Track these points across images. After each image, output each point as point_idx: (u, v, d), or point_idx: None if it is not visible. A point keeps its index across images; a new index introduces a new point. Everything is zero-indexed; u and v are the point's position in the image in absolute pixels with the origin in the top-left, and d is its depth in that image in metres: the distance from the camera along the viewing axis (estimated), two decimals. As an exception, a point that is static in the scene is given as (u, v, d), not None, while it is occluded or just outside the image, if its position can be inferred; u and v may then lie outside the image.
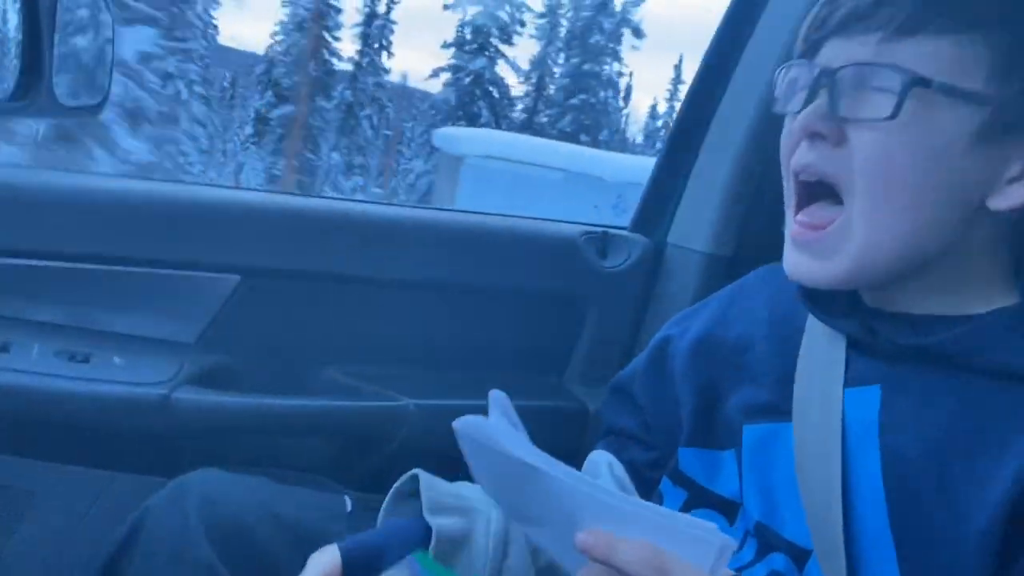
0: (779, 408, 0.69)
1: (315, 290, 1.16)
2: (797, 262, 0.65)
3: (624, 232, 1.34)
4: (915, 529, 0.59)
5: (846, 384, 0.65)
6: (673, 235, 1.32)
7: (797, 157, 0.64)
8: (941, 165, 0.59)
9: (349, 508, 0.81)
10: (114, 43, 1.15)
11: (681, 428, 0.78)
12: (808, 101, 0.62)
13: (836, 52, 0.62)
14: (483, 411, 1.14)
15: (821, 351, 0.68)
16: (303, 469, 1.15)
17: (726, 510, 0.73)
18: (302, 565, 0.73)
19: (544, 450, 0.82)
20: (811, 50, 0.64)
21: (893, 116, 0.57)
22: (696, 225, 1.28)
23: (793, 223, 0.65)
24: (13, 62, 1.04)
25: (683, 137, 1.30)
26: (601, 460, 0.85)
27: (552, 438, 0.87)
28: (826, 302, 0.68)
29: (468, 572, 0.67)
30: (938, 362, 0.61)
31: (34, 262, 1.04)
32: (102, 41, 1.12)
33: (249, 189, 1.03)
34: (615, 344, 1.33)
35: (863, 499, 0.62)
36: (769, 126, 1.20)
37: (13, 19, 0.99)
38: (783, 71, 0.66)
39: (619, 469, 0.85)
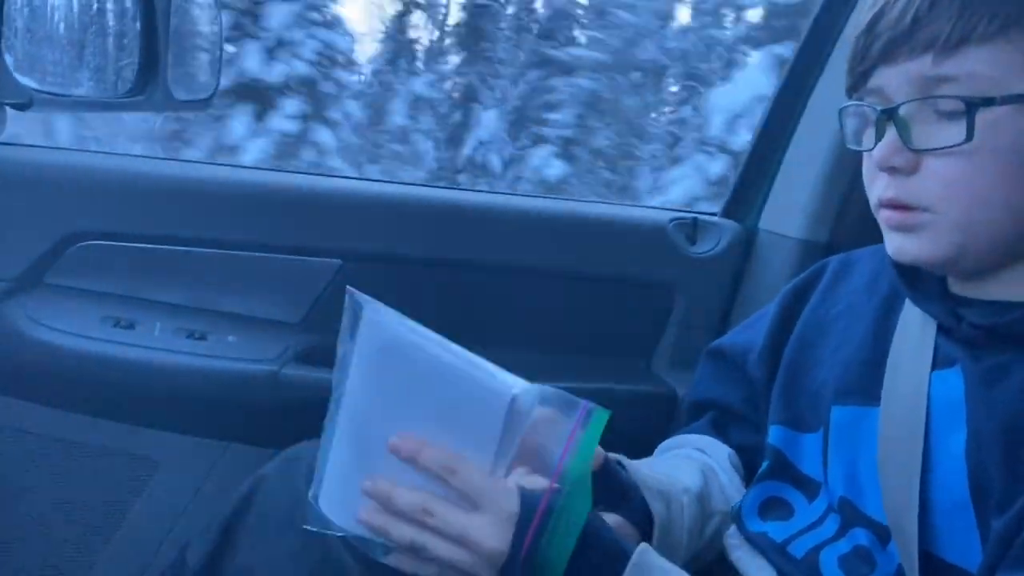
0: (868, 391, 0.70)
1: (410, 275, 1.21)
2: (900, 244, 0.66)
3: (715, 218, 1.33)
4: (993, 502, 0.60)
5: (934, 367, 0.66)
6: (765, 221, 1.31)
7: (880, 190, 0.65)
8: (1022, 169, 0.59)
9: (447, 480, 0.85)
10: (222, 40, 1.22)
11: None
12: (878, 137, 0.63)
13: (887, 79, 0.62)
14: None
15: (914, 336, 0.69)
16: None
17: (806, 487, 0.74)
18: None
19: (632, 433, 0.84)
20: (860, 80, 0.65)
21: (968, 140, 0.58)
22: (789, 211, 1.27)
23: (884, 211, 0.66)
24: (128, 59, 1.12)
25: (776, 121, 1.29)
26: (721, 453, 0.87)
27: (640, 421, 0.89)
28: (919, 287, 0.69)
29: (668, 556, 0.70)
30: (1010, 341, 0.63)
31: (157, 246, 1.11)
32: (212, 38, 1.19)
33: (348, 177, 1.08)
34: (704, 330, 1.33)
35: (944, 476, 0.63)
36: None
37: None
38: (845, 113, 0.68)
39: (735, 459, 0.86)
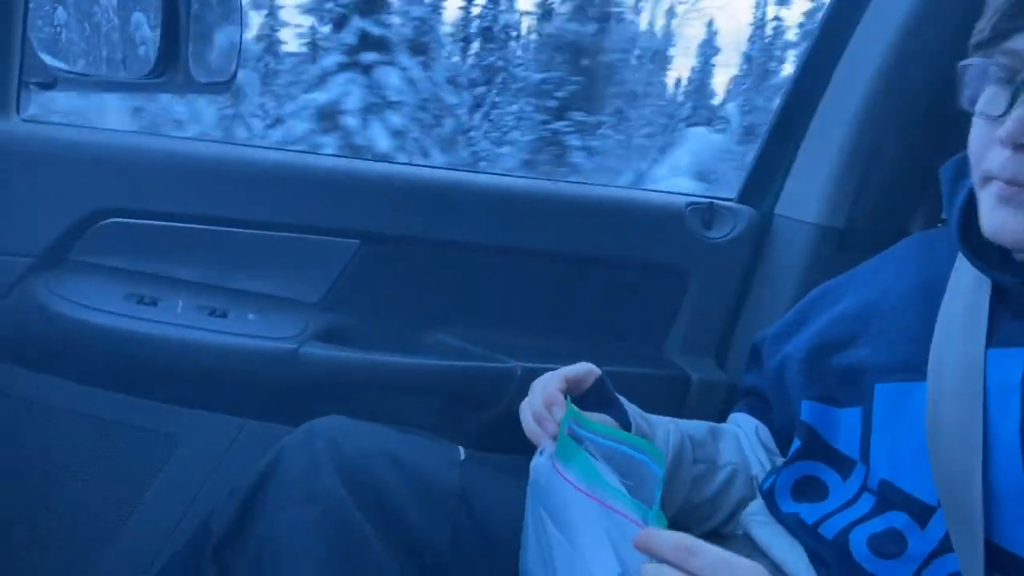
0: (914, 367, 0.68)
1: (428, 256, 1.22)
2: (1003, 220, 0.61)
3: (730, 203, 1.33)
4: None
5: (991, 344, 0.64)
6: (781, 206, 1.31)
7: (998, 164, 0.60)
8: None
9: (462, 457, 0.86)
10: (242, 23, 1.23)
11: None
12: (1010, 105, 0.58)
13: None
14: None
15: (963, 309, 0.67)
16: (416, 425, 1.22)
17: (840, 464, 0.73)
18: (418, 505, 0.80)
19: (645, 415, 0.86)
20: (995, 39, 0.59)
21: None
22: (806, 196, 1.27)
23: (997, 183, 0.62)
24: (150, 43, 1.14)
25: (794, 107, 1.29)
26: (749, 425, 0.89)
27: (652, 405, 0.90)
28: (983, 256, 0.67)
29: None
30: None
31: (180, 225, 1.13)
32: (232, 24, 1.21)
33: (369, 159, 1.09)
34: (718, 315, 1.33)
35: (997, 458, 0.61)
36: (885, 97, 1.17)
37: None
38: (969, 67, 0.62)
39: (764, 432, 0.89)
